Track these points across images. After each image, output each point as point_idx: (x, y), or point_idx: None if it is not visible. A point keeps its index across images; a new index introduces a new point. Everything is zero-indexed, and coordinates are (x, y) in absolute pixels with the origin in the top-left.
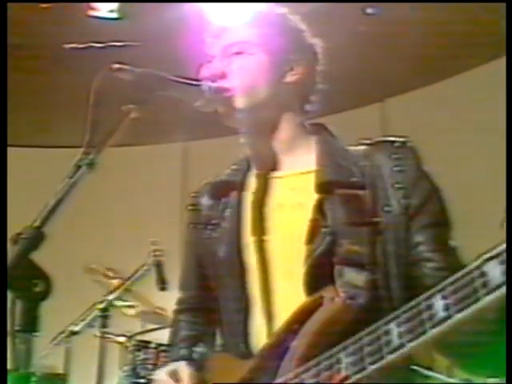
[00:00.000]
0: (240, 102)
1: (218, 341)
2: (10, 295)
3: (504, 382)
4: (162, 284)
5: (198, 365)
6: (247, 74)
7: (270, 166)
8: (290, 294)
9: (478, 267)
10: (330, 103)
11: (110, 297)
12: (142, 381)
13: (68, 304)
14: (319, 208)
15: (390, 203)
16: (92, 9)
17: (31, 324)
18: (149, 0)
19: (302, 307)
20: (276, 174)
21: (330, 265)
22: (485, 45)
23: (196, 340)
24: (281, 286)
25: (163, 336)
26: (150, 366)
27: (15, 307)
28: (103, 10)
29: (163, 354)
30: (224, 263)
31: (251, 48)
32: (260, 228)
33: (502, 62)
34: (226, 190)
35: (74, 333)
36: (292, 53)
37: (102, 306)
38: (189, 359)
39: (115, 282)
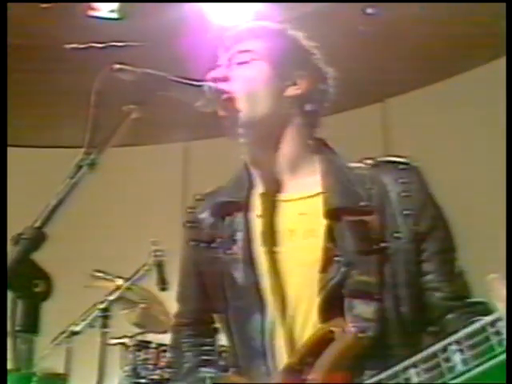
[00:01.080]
0: (244, 113)
1: (229, 361)
2: (11, 295)
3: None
4: (163, 284)
5: None
6: (249, 81)
7: (274, 185)
8: (304, 317)
9: (492, 324)
10: (331, 103)
11: (111, 297)
12: (143, 381)
13: (68, 304)
14: (330, 235)
15: (399, 229)
16: (92, 9)
17: (32, 324)
18: (149, 0)
19: (314, 340)
20: (282, 196)
21: (341, 295)
22: (485, 45)
23: (204, 362)
24: (296, 311)
25: (164, 336)
26: (150, 366)
27: (16, 307)
28: (103, 10)
29: (163, 354)
30: (242, 289)
31: (256, 57)
32: (272, 252)
33: (502, 62)
34: (229, 209)
35: (74, 333)
36: (296, 69)
37: (102, 306)
38: None
39: (117, 282)
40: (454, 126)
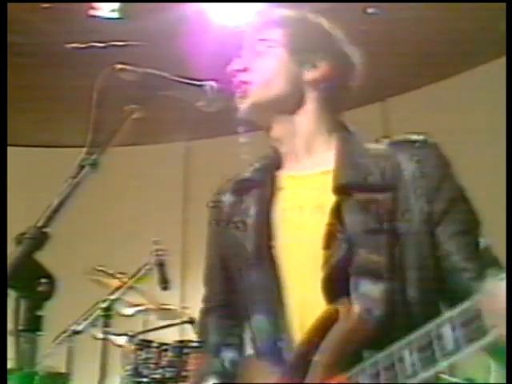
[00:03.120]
0: (253, 94)
1: (248, 344)
2: (14, 294)
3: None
4: (164, 283)
5: (230, 374)
6: (267, 70)
7: (291, 164)
8: (309, 294)
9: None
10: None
11: (113, 296)
12: (145, 380)
13: (70, 303)
14: (336, 212)
15: (412, 209)
16: (93, 8)
17: (35, 323)
18: (150, 0)
19: (320, 320)
20: (297, 173)
21: (346, 273)
22: (485, 44)
23: (226, 345)
24: (301, 287)
25: (165, 335)
26: (152, 366)
27: (19, 306)
28: (104, 10)
29: (165, 354)
30: (252, 260)
31: (274, 45)
32: (280, 228)
33: (503, 61)
34: (247, 187)
35: (76, 332)
36: (316, 52)
37: (104, 305)
38: (220, 371)
39: (118, 281)
40: (455, 125)
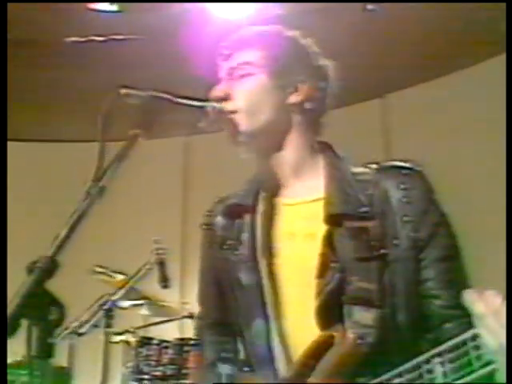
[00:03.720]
0: (244, 125)
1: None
2: (26, 323)
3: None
4: (165, 282)
5: None
6: (250, 96)
7: (278, 189)
8: (301, 321)
9: (473, 339)
10: (333, 98)
11: (115, 297)
12: (146, 377)
13: (70, 299)
14: (328, 241)
15: (399, 236)
16: (92, 2)
17: (47, 351)
18: (150, 0)
19: (316, 344)
20: (286, 199)
21: (340, 301)
22: (485, 42)
23: (222, 360)
24: (293, 314)
25: (166, 332)
26: (153, 363)
27: (31, 334)
28: (103, 3)
29: (166, 351)
30: (246, 289)
31: (255, 70)
32: (269, 252)
33: (501, 59)
34: (238, 211)
35: (79, 334)
36: (297, 74)
37: (106, 306)
38: None
39: (119, 280)
40: (454, 122)
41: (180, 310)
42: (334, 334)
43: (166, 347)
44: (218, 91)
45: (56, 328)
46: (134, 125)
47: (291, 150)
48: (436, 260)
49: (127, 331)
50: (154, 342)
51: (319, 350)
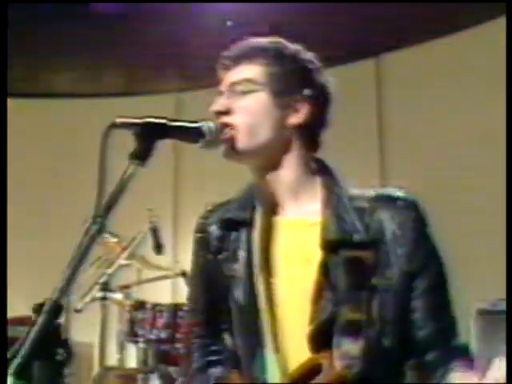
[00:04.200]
0: (242, 142)
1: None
2: (36, 364)
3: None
4: (158, 248)
5: None
6: (250, 113)
7: (274, 209)
8: (296, 344)
9: None
10: (326, 56)
11: (110, 270)
12: (141, 340)
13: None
14: (324, 269)
15: (391, 267)
16: None
17: None
18: (150, 0)
19: (304, 368)
20: (283, 220)
21: (331, 330)
22: (483, 5)
23: (212, 363)
24: (289, 337)
25: (160, 294)
26: (147, 327)
27: (41, 375)
28: None
29: (160, 315)
30: (242, 307)
31: (256, 87)
32: (267, 273)
33: (500, 22)
34: (235, 225)
35: (76, 311)
36: (297, 94)
37: (102, 280)
38: None
39: (113, 243)
40: (451, 86)
41: (173, 268)
42: (322, 360)
43: (160, 311)
44: (218, 105)
45: (63, 368)
46: (131, 155)
47: (288, 169)
48: (424, 292)
49: (123, 287)
50: (148, 306)
51: (307, 375)
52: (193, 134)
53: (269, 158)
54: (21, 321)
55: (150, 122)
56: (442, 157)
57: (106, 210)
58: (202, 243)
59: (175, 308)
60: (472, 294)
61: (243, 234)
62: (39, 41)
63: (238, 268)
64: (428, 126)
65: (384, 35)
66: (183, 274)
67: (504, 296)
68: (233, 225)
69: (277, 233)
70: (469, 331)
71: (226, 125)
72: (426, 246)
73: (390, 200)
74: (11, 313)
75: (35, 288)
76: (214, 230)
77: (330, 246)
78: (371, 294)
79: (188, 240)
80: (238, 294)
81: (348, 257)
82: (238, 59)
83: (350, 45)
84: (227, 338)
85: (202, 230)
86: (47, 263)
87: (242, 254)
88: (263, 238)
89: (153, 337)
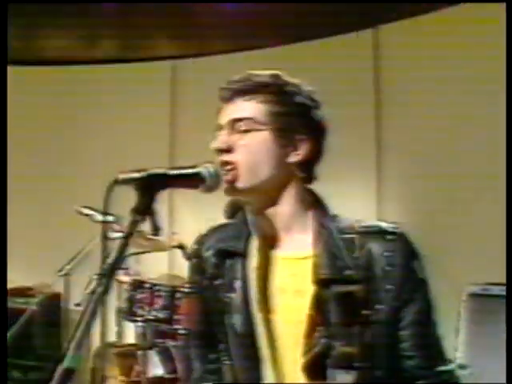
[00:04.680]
0: (242, 181)
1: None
2: None
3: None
4: (156, 230)
5: None
6: (252, 152)
7: (269, 241)
8: (292, 375)
9: None
10: (323, 26)
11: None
12: (139, 319)
13: (60, 236)
14: (316, 304)
15: (381, 302)
16: None
17: None
18: (151, 0)
19: None
20: (277, 252)
21: (324, 363)
22: None
23: (210, 372)
24: (285, 366)
25: (157, 269)
26: (146, 307)
27: None
28: None
29: (158, 294)
30: (239, 336)
31: (258, 126)
32: (266, 307)
33: None
34: (230, 254)
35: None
36: (298, 132)
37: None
38: None
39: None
40: (448, 58)
41: (169, 241)
42: None
43: (159, 291)
44: (220, 143)
45: None
46: (132, 211)
47: (286, 205)
48: (411, 323)
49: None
50: (147, 285)
51: None
52: (193, 180)
53: (268, 194)
54: (20, 292)
55: (150, 175)
56: (441, 129)
57: (110, 269)
58: (198, 268)
59: (173, 289)
60: (464, 278)
61: (238, 264)
62: (32, 7)
63: (235, 297)
64: (428, 96)
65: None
66: (180, 247)
67: (494, 280)
68: (228, 254)
69: (273, 267)
70: (459, 314)
71: (227, 163)
72: (413, 280)
73: (379, 234)
74: (10, 284)
75: (33, 259)
76: (209, 256)
77: (322, 282)
78: (363, 328)
79: (184, 206)
80: (235, 322)
81: (339, 292)
82: (239, 93)
83: (349, 15)
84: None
85: (196, 255)
86: (45, 234)
87: (238, 283)
88: (261, 274)
89: (151, 317)
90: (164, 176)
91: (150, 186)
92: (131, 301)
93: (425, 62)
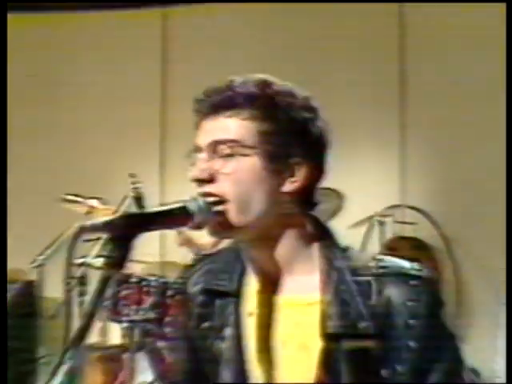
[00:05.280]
0: (234, 218)
1: None
2: None
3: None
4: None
5: None
6: (240, 182)
7: (270, 284)
8: None
9: None
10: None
11: (89, 258)
12: (124, 319)
13: (37, 222)
14: (324, 361)
15: (402, 360)
16: None
17: None
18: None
19: None
20: (278, 297)
21: None
22: None
23: None
24: None
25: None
26: (133, 306)
27: None
28: None
29: (147, 290)
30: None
31: (244, 150)
32: (266, 362)
33: None
34: (220, 294)
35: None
36: (294, 155)
37: (78, 275)
38: None
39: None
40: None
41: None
42: None
43: (148, 287)
44: (199, 171)
45: None
46: (104, 264)
47: (285, 240)
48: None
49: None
50: (134, 280)
51: None
52: (179, 218)
53: (264, 231)
54: None
55: (125, 218)
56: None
57: (77, 339)
58: (183, 306)
59: (164, 286)
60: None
61: (230, 307)
62: None
63: (226, 348)
64: (451, 74)
65: None
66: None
67: None
68: (218, 293)
69: (273, 314)
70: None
71: (211, 194)
72: (441, 337)
73: (400, 277)
74: None
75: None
76: (196, 293)
77: (332, 336)
78: None
79: (177, 182)
80: (226, 375)
81: (352, 348)
82: (219, 108)
83: None
84: None
85: (182, 290)
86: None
87: (229, 331)
88: (260, 322)
89: (138, 317)
90: (142, 217)
91: (125, 233)
92: (116, 297)
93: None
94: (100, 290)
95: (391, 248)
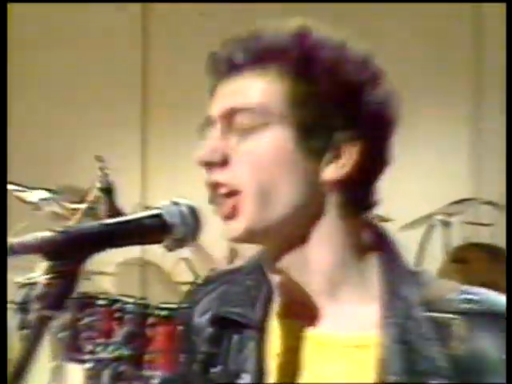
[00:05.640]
0: (250, 217)
1: None
2: None
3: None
4: (112, 212)
5: None
6: (262, 166)
7: (306, 314)
8: None
9: None
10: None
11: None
12: (87, 357)
13: None
14: None
15: None
16: None
17: None
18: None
19: None
20: (315, 333)
21: None
22: None
23: None
24: None
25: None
26: (100, 339)
27: None
28: None
29: (118, 315)
30: None
31: (271, 119)
32: None
33: None
34: (238, 328)
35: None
36: (340, 128)
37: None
38: None
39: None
40: None
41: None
42: None
43: (119, 310)
44: (209, 152)
45: None
46: (42, 306)
47: (323, 249)
48: None
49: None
50: (100, 302)
51: None
52: (152, 230)
53: (293, 238)
54: None
55: (72, 237)
56: None
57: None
58: (185, 342)
59: (144, 310)
60: None
61: (250, 344)
62: None
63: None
64: None
65: None
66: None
67: None
68: (234, 324)
69: (304, 355)
70: None
71: (221, 185)
72: None
73: (497, 319)
74: None
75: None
76: (204, 325)
77: None
78: None
79: (158, 172)
80: None
81: None
82: (241, 65)
83: None
84: None
85: (185, 320)
86: None
87: (247, 379)
88: (287, 367)
89: (107, 355)
90: (96, 232)
91: (72, 256)
92: (74, 328)
93: None
94: (36, 336)
95: (460, 259)
